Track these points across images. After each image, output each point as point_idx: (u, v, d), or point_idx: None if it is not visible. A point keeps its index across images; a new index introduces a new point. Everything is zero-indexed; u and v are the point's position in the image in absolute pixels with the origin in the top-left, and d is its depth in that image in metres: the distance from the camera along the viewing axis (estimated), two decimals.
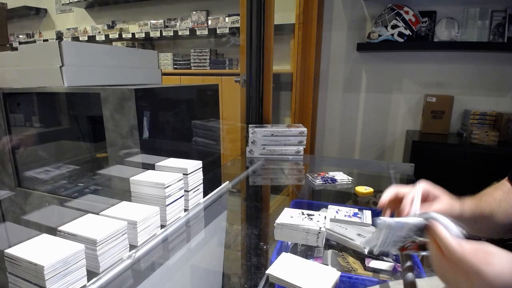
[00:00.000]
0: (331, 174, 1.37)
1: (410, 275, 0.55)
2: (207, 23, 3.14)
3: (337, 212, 0.99)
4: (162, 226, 0.78)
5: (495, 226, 0.65)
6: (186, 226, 0.85)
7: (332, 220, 0.95)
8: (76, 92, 1.24)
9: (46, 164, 1.40)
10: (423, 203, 0.62)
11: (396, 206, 0.64)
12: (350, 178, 1.34)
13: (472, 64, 2.24)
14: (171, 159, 0.93)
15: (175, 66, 3.29)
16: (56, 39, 4.11)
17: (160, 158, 0.93)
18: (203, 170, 0.93)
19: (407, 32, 2.14)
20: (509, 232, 0.66)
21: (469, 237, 0.49)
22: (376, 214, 0.97)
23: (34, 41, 4.29)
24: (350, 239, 0.89)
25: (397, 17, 2.14)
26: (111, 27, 3.71)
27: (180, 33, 3.20)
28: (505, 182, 0.69)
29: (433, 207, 0.61)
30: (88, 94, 1.18)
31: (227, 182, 1.15)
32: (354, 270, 0.82)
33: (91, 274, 0.59)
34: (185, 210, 0.88)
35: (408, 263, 0.57)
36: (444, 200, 0.63)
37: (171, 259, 0.77)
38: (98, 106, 1.09)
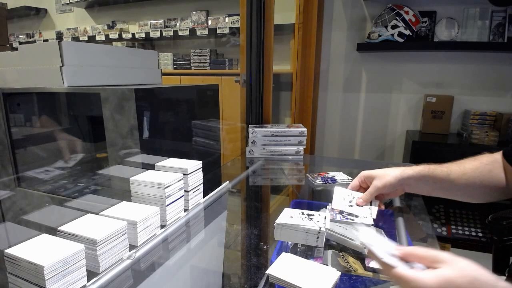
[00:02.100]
0: (331, 174, 1.37)
1: None
2: (207, 23, 3.14)
3: (336, 212, 0.99)
4: (162, 226, 0.78)
5: (454, 187, 0.77)
6: (186, 226, 0.85)
7: (332, 220, 0.95)
8: (76, 92, 1.24)
9: (46, 164, 1.40)
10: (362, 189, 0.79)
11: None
12: (350, 178, 1.34)
13: (472, 64, 2.24)
14: (171, 159, 0.93)
15: (175, 66, 3.29)
16: (56, 39, 4.10)
17: (160, 158, 0.93)
18: (203, 170, 0.93)
19: (407, 32, 2.14)
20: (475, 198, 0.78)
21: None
22: (376, 214, 0.97)
23: (34, 41, 4.29)
24: (350, 239, 0.89)
25: (397, 17, 2.14)
26: (111, 27, 3.71)
27: (180, 33, 3.20)
28: (489, 155, 0.79)
29: (372, 186, 0.78)
30: (88, 94, 1.18)
31: (227, 182, 1.15)
32: (354, 270, 0.82)
33: (91, 274, 0.59)
34: (185, 210, 0.88)
35: None
36: (377, 174, 0.80)
37: (171, 259, 0.77)
38: (98, 106, 1.09)
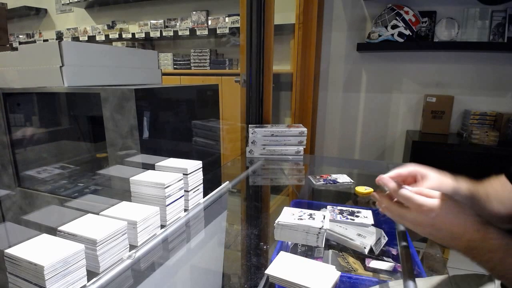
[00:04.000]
0: (333, 176, 1.36)
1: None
2: (207, 23, 3.13)
3: (336, 212, 0.99)
4: (162, 226, 0.78)
5: (489, 212, 0.68)
6: (186, 226, 0.85)
7: (332, 220, 0.95)
8: (76, 92, 1.24)
9: (46, 164, 1.40)
10: (413, 184, 0.68)
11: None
12: (352, 180, 1.34)
13: (472, 64, 2.24)
14: (171, 159, 0.93)
15: (175, 66, 3.29)
16: (56, 39, 4.11)
17: (160, 158, 0.93)
18: (203, 170, 0.93)
19: (407, 32, 2.14)
20: (500, 222, 0.68)
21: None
22: (376, 214, 0.97)
23: (34, 41, 4.29)
24: (350, 239, 0.89)
25: (397, 17, 2.14)
26: (111, 27, 3.70)
27: (180, 33, 3.20)
28: (502, 176, 0.71)
29: (423, 185, 0.66)
30: (88, 94, 1.18)
31: (227, 182, 1.15)
32: (354, 270, 0.82)
33: (91, 274, 0.59)
34: (185, 210, 0.88)
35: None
36: (433, 177, 0.69)
37: (171, 259, 0.77)
38: (98, 106, 1.09)
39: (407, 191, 0.60)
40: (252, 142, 1.62)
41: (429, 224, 0.58)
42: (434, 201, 0.57)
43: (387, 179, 0.64)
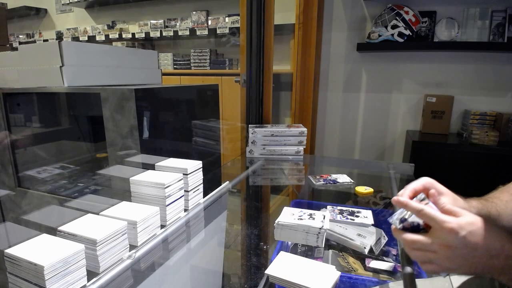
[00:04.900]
0: (333, 176, 1.36)
1: (408, 268, 0.59)
2: (207, 23, 3.14)
3: (336, 212, 0.99)
4: (162, 226, 0.78)
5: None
6: (186, 226, 0.85)
7: (332, 220, 0.95)
8: (76, 92, 1.24)
9: (46, 164, 1.40)
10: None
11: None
12: (352, 180, 1.34)
13: (472, 64, 2.24)
14: (171, 159, 0.93)
15: (175, 66, 3.29)
16: (56, 39, 4.10)
17: (160, 158, 0.93)
18: (203, 170, 0.93)
19: (407, 32, 2.14)
20: None
21: None
22: (376, 214, 0.97)
23: (34, 41, 4.29)
24: (350, 239, 0.89)
25: (397, 17, 2.14)
26: (111, 27, 3.70)
27: (180, 33, 3.20)
28: (511, 185, 0.69)
29: (440, 199, 0.60)
30: (88, 94, 1.18)
31: (227, 182, 1.15)
32: (354, 270, 0.82)
33: (91, 274, 0.59)
34: (185, 210, 0.88)
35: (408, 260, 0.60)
36: (448, 194, 0.62)
37: (171, 259, 0.77)
38: (98, 106, 1.09)
39: (432, 209, 0.54)
40: (252, 142, 1.62)
41: (461, 244, 0.50)
42: (463, 218, 0.51)
43: (405, 200, 0.57)
